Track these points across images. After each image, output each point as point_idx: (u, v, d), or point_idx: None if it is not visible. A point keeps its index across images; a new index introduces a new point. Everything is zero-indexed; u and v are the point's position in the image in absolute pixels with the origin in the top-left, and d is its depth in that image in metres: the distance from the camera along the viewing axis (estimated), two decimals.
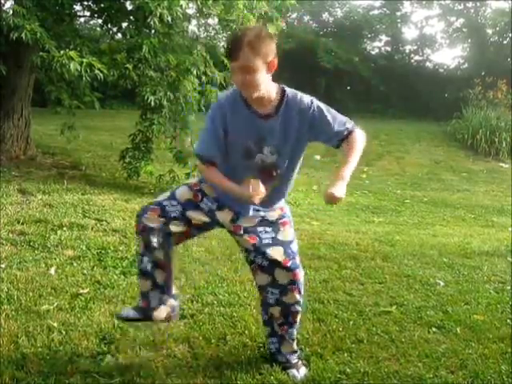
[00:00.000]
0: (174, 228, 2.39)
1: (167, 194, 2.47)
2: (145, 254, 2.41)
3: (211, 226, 2.49)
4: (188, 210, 2.39)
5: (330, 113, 2.33)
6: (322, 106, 2.33)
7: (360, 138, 2.34)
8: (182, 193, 2.44)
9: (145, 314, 2.46)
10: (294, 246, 2.47)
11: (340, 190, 2.16)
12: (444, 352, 2.75)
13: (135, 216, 2.46)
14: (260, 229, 2.42)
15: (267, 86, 2.25)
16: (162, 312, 2.47)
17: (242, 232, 2.44)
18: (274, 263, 2.42)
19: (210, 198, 2.43)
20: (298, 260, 2.47)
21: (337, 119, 2.32)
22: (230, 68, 2.49)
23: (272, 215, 2.44)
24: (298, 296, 2.47)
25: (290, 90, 2.32)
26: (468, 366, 2.61)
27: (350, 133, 2.33)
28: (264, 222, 2.43)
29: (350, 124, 2.35)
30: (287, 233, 2.46)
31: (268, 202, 2.37)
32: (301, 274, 2.46)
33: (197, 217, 2.41)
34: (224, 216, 2.43)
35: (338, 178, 2.20)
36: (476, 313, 3.29)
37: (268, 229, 2.43)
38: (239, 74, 2.19)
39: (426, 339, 2.90)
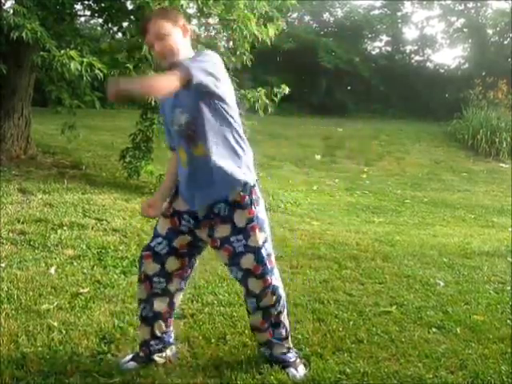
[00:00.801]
0: (170, 266, 2.44)
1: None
2: (147, 302, 2.48)
3: (197, 243, 2.47)
4: (172, 240, 2.42)
5: (206, 59, 2.18)
6: (212, 57, 2.22)
7: (170, 77, 2.07)
8: (162, 225, 2.46)
9: (146, 362, 2.50)
10: (266, 249, 2.41)
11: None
12: (444, 352, 2.75)
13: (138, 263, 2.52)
14: (232, 238, 2.39)
15: (187, 53, 2.26)
16: (161, 359, 2.53)
17: (218, 245, 2.42)
18: (248, 272, 2.40)
19: (185, 215, 2.42)
20: (269, 264, 2.42)
21: (200, 62, 2.14)
22: (151, 50, 2.41)
23: (240, 221, 2.36)
24: (274, 298, 2.45)
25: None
26: (468, 366, 2.61)
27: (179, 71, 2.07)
28: (235, 230, 2.38)
29: (193, 70, 2.07)
30: (257, 237, 2.39)
31: (208, 182, 2.31)
32: (272, 279, 2.43)
33: (180, 241, 2.42)
34: (202, 233, 2.43)
35: None
36: (476, 313, 3.30)
37: (239, 237, 2.38)
38: (156, 45, 2.22)
39: (426, 339, 2.90)
